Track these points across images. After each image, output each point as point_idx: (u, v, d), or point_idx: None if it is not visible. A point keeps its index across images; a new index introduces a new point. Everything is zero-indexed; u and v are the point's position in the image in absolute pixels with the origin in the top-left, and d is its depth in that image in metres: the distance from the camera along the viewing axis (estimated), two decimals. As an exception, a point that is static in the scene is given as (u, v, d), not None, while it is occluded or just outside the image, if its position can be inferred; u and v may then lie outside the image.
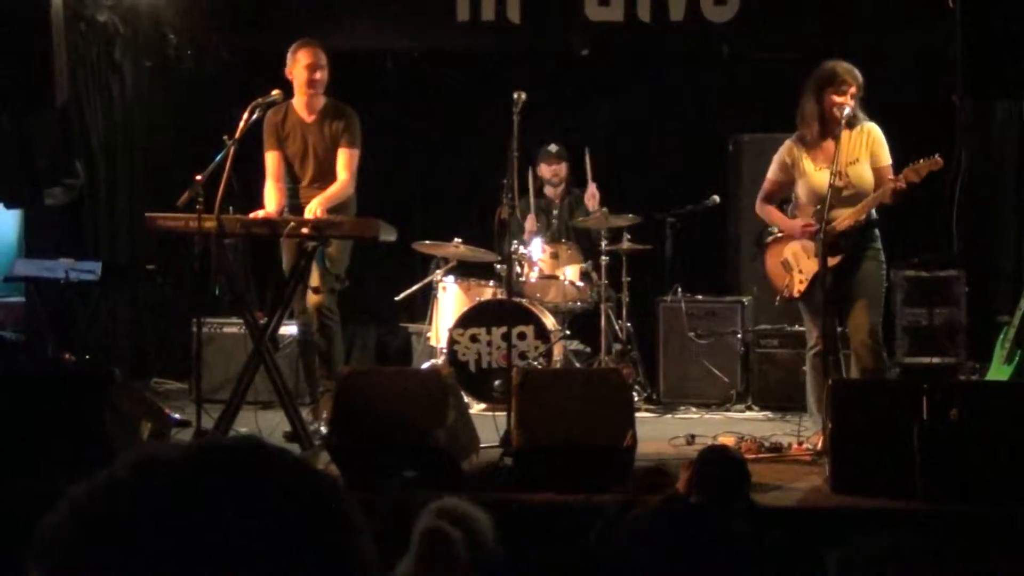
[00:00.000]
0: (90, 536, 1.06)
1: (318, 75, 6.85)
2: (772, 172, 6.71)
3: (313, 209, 6.59)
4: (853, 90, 6.38)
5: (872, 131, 6.44)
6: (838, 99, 6.37)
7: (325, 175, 6.93)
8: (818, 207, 6.36)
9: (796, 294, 6.65)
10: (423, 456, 5.42)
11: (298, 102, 6.95)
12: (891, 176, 6.30)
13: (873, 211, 6.43)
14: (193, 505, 1.06)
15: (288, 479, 1.12)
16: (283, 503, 1.09)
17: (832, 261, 6.37)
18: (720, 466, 4.23)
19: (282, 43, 7.01)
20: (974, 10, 5.90)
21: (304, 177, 7.01)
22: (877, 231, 6.53)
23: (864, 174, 6.38)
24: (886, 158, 6.42)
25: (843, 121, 6.35)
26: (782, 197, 6.79)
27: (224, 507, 1.07)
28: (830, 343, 6.45)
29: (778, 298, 6.84)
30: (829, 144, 6.44)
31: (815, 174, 6.47)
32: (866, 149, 6.41)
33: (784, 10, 9.26)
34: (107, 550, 1.05)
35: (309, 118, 6.97)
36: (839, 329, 6.63)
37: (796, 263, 6.65)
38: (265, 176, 7.01)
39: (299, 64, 6.88)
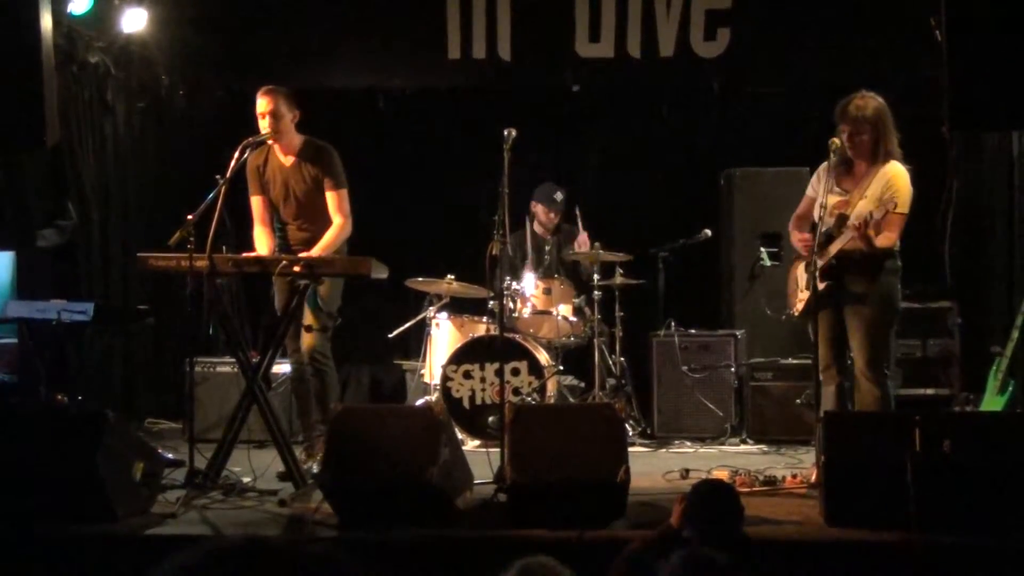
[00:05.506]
0: None
1: (266, 121, 6.78)
2: (808, 189, 6.70)
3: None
4: (844, 129, 6.38)
5: (890, 176, 6.34)
6: (844, 136, 6.41)
7: (308, 215, 6.94)
8: (822, 230, 6.32)
9: (795, 312, 6.67)
10: (417, 493, 5.40)
11: (276, 145, 6.96)
12: (889, 225, 6.25)
13: (883, 244, 6.30)
14: None
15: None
16: None
17: (820, 285, 6.38)
18: (713, 500, 4.21)
19: (273, 83, 7.01)
20: (960, 42, 5.92)
21: (289, 218, 7.03)
22: (890, 264, 6.41)
23: (863, 211, 6.28)
24: (894, 205, 6.22)
25: (845, 155, 6.40)
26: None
27: None
28: (818, 368, 6.44)
29: (784, 315, 6.82)
30: (857, 171, 6.46)
31: (824, 196, 6.41)
32: (879, 189, 6.32)
33: (774, 45, 9.30)
34: None
35: (287, 160, 6.97)
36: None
37: (800, 282, 6.64)
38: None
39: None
